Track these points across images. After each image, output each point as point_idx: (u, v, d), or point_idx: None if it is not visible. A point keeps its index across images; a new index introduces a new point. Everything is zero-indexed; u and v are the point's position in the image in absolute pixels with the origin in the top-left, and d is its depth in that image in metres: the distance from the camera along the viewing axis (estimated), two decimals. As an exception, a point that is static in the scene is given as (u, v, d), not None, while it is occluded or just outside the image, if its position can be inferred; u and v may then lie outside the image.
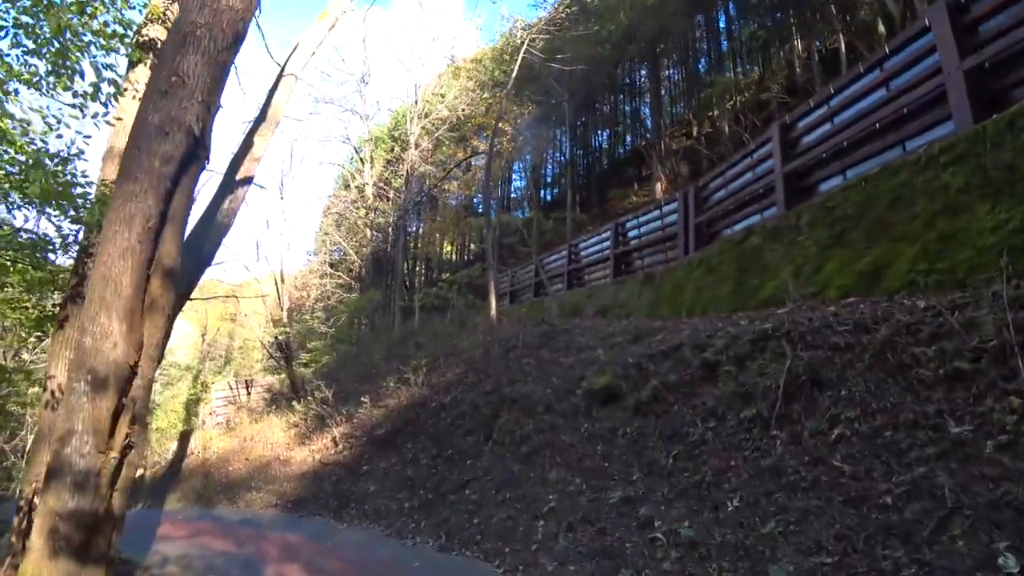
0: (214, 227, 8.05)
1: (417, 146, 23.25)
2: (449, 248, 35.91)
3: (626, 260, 14.32)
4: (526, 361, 10.90)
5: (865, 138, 7.78)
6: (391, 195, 29.19)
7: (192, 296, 8.65)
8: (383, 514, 8.96)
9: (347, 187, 28.49)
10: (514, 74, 12.53)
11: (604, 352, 8.59)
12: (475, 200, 31.26)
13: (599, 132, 33.22)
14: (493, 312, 9.96)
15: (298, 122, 37.33)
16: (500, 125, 19.47)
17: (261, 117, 8.83)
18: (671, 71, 31.52)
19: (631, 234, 14.33)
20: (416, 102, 24.17)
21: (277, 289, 18.52)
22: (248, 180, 8.44)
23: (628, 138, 32.05)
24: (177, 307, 8.03)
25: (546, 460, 7.34)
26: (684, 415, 6.11)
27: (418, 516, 8.23)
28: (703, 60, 30.07)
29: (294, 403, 15.69)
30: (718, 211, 11.18)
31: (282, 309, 18.57)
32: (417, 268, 34.95)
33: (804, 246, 7.71)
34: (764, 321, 6.39)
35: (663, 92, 29.57)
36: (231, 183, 8.31)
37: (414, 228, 35.73)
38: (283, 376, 19.36)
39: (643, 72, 30.23)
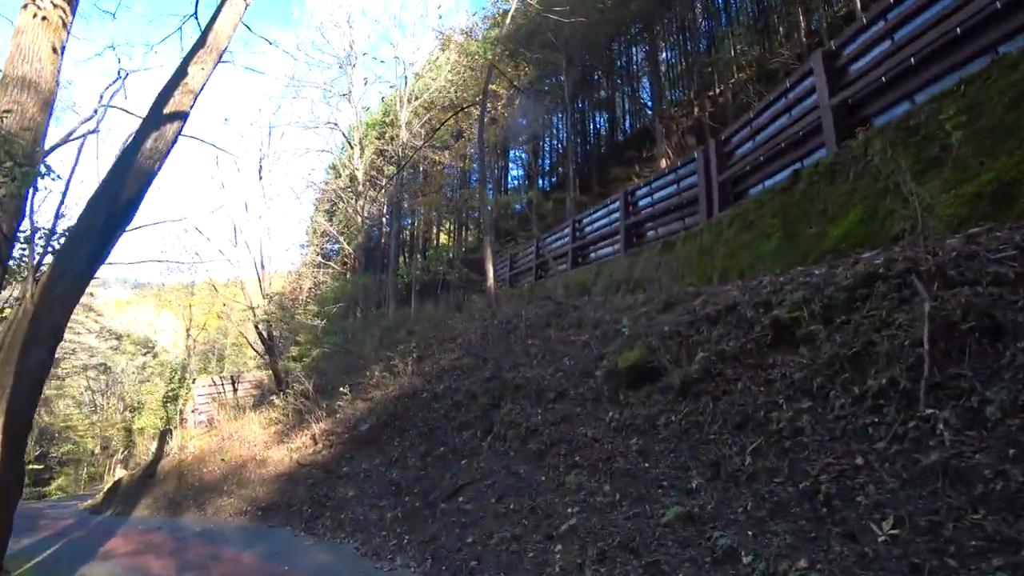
0: (134, 171, 6.15)
1: (409, 125, 21.31)
2: (445, 239, 33.99)
3: (637, 231, 12.48)
4: (530, 342, 9.05)
5: (939, 51, 5.96)
6: (383, 183, 27.30)
7: (113, 260, 6.79)
8: (361, 526, 7.10)
9: (338, 176, 26.54)
10: (509, 16, 10.60)
11: (629, 323, 6.71)
12: (471, 179, 29.32)
13: (598, 115, 31.27)
14: (490, 283, 8.12)
15: (279, 100, 35.11)
16: (494, 88, 17.61)
17: (201, 42, 6.92)
18: (668, 53, 29.56)
19: (642, 203, 12.47)
20: (405, 81, 22.24)
21: (257, 274, 16.63)
22: (179, 116, 6.54)
23: (627, 122, 30.12)
24: (87, 272, 6.18)
25: (561, 459, 5.47)
26: (755, 394, 4.25)
27: (401, 530, 6.37)
28: (703, 41, 28.13)
29: (273, 398, 13.78)
30: (745, 166, 9.34)
31: (263, 296, 16.66)
32: (413, 260, 33.08)
33: (878, 178, 5.89)
34: (855, 265, 4.54)
35: (663, 71, 27.65)
36: (157, 118, 6.42)
37: (410, 221, 33.95)
38: (271, 371, 17.49)
39: (642, 51, 28.31)
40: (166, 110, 6.47)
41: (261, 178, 17.67)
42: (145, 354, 31.84)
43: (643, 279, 10.54)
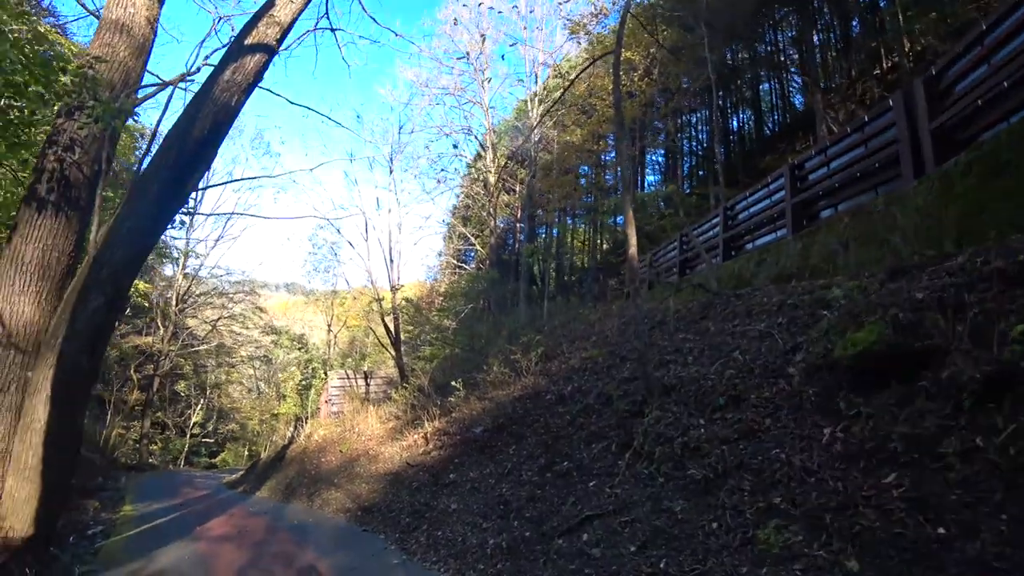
0: (208, 103, 5.04)
1: (541, 123, 19.96)
2: (580, 245, 32.12)
3: (808, 210, 9.72)
4: (681, 336, 6.91)
5: None
6: (516, 188, 26.31)
7: (195, 210, 5.77)
8: (457, 550, 5.41)
9: (474, 179, 25.99)
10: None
11: (842, 294, 4.39)
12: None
13: (742, 108, 27.71)
14: (632, 251, 6.10)
15: (408, 94, 35.57)
16: (628, 55, 15.56)
17: (295, -29, 5.80)
18: (819, 35, 25.33)
19: (814, 176, 9.69)
20: (536, 79, 20.99)
21: (387, 266, 16.02)
22: (263, 48, 5.37)
23: (776, 114, 26.35)
24: (156, 213, 5.13)
25: (745, 498, 3.33)
26: None
27: (503, 566, 4.56)
28: (867, 13, 23.70)
29: (393, 392, 12.72)
30: (974, 100, 6.37)
31: (392, 288, 15.99)
32: (548, 269, 31.71)
33: None
34: None
35: (817, 55, 23.69)
36: (239, 49, 5.31)
37: (543, 230, 32.78)
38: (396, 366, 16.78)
39: (789, 35, 24.53)
40: (248, 41, 5.34)
41: (391, 171, 17.14)
42: (299, 348, 33.61)
43: (824, 264, 7.91)
